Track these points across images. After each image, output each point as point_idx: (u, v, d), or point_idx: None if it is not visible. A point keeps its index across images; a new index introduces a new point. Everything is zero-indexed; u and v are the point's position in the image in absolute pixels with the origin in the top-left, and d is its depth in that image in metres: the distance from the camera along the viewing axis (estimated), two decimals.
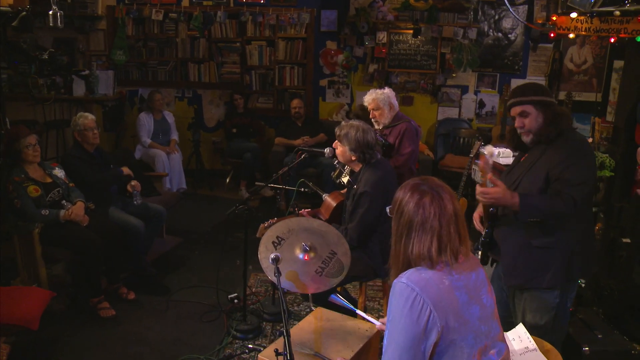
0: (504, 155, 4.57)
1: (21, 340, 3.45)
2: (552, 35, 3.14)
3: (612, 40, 2.82)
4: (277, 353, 1.88)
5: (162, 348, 3.62)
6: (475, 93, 7.04)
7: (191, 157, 6.88)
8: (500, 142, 6.71)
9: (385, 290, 3.69)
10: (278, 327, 3.89)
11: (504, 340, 1.87)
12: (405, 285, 1.70)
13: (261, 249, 2.54)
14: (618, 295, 3.46)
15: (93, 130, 4.37)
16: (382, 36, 6.82)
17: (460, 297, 1.72)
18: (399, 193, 1.82)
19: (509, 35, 6.77)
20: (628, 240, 3.35)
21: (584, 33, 2.81)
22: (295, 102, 6.68)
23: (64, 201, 4.02)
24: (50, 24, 3.20)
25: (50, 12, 3.23)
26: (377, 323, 2.32)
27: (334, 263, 2.52)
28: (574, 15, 2.85)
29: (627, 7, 2.76)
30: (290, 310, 4.12)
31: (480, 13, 6.72)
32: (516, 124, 2.62)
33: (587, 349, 2.98)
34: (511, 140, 2.74)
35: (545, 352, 2.46)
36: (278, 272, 2.20)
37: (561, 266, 2.59)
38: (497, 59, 6.86)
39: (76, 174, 4.23)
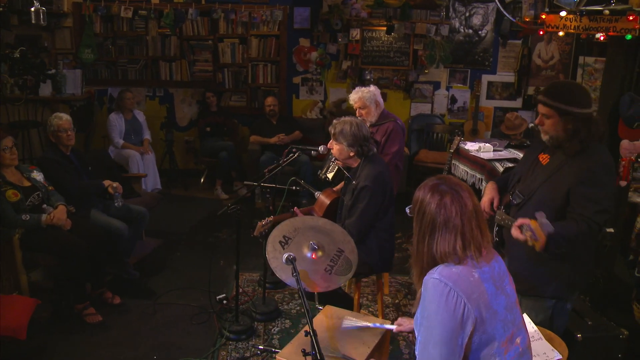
0: (484, 150, 4.67)
1: (8, 350, 3.32)
2: (541, 33, 3.23)
3: (602, 38, 2.92)
4: (304, 353, 1.87)
5: (154, 353, 3.55)
6: (447, 89, 7.16)
7: (164, 157, 6.76)
8: (472, 137, 6.86)
9: (379, 286, 3.72)
10: (270, 327, 3.88)
11: (525, 328, 1.92)
12: (438, 280, 1.74)
13: (269, 248, 2.52)
14: (603, 284, 3.59)
15: (67, 132, 4.24)
16: (355, 33, 6.84)
17: (489, 288, 1.77)
18: (419, 194, 1.85)
19: (479, 32, 6.90)
20: (612, 230, 3.48)
21: (572, 31, 2.89)
22: (270, 100, 6.64)
23: (44, 205, 3.89)
24: (33, 21, 3.08)
25: (33, 9, 3.12)
26: (393, 327, 2.35)
27: (342, 261, 2.52)
28: (563, 13, 2.94)
29: (613, 6, 2.87)
30: (280, 309, 4.10)
31: (451, 10, 6.83)
32: (537, 121, 2.60)
33: (579, 335, 3.07)
34: (539, 133, 2.68)
35: (549, 339, 2.53)
36: (296, 272, 2.18)
37: (567, 277, 2.60)
38: (468, 55, 6.99)
39: (54, 178, 4.10)
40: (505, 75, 7.05)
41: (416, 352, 1.84)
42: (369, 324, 2.40)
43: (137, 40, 6.83)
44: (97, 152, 5.22)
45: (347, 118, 3.37)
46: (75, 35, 6.68)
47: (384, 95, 7.02)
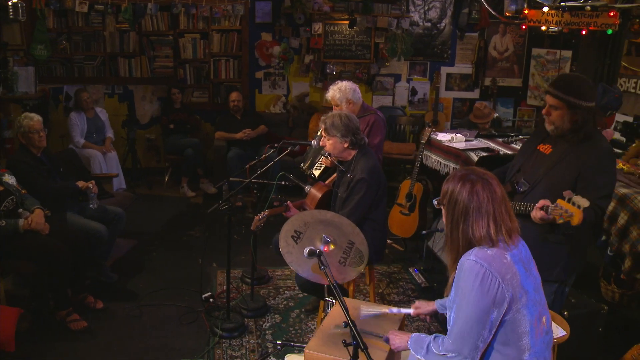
0: (457, 140, 4.82)
1: None
2: (523, 27, 3.37)
3: (583, 32, 3.08)
4: (345, 344, 1.91)
5: (148, 356, 3.48)
6: (408, 81, 7.31)
7: (127, 156, 6.57)
8: (433, 127, 7.04)
9: (371, 276, 3.79)
10: (261, 322, 3.88)
11: (547, 308, 2.04)
12: (475, 262, 1.84)
13: (282, 244, 2.54)
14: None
15: (39, 133, 4.10)
16: (318, 27, 6.87)
17: (520, 270, 1.89)
18: (449, 185, 1.94)
19: (438, 25, 7.09)
20: None
21: (554, 26, 3.05)
22: (234, 95, 6.57)
23: (20, 209, 3.72)
24: (11, 16, 2.93)
25: (10, 3, 2.97)
26: (410, 311, 2.44)
27: (354, 252, 2.57)
28: (545, 9, 3.09)
29: (591, 2, 3.04)
30: (268, 305, 4.10)
31: (410, 3, 6.98)
32: (544, 111, 2.69)
33: (566, 313, 3.25)
34: (539, 123, 2.83)
35: (551, 317, 2.67)
36: (324, 265, 2.21)
37: (570, 261, 2.75)
38: (427, 48, 7.17)
39: (27, 181, 3.93)
40: (463, 67, 7.28)
41: (448, 328, 1.95)
42: (387, 311, 2.47)
43: (93, 36, 6.59)
44: (65, 152, 5.01)
45: (335, 112, 3.42)
46: (26, 30, 6.36)
47: None
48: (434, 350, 1.96)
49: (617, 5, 2.92)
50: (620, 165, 4.26)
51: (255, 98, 7.17)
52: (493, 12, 4.20)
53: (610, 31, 2.95)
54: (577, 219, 2.32)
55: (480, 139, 4.94)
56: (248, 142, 6.42)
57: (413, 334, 2.12)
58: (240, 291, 4.28)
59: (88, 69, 6.67)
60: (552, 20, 3.06)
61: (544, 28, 3.14)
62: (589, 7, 2.89)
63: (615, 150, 4.92)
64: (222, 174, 6.38)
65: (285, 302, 4.20)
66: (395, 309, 2.47)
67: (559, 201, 2.37)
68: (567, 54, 6.79)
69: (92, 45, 6.61)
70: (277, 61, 6.98)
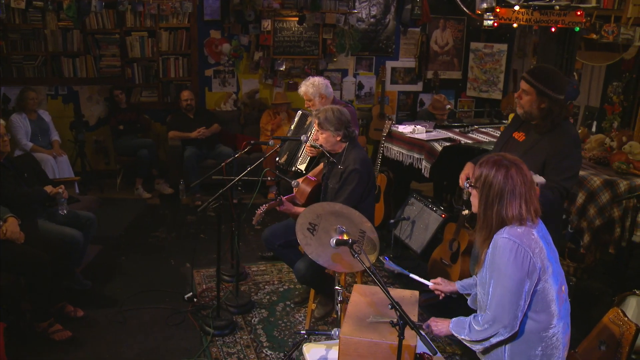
0: (418, 132, 5.06)
1: None
2: (495, 24, 3.61)
3: (553, 29, 3.35)
4: (393, 324, 2.03)
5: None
6: (355, 76, 7.50)
7: (76, 160, 6.31)
8: (380, 121, 7.29)
9: None
10: (249, 318, 3.93)
11: (565, 279, 2.27)
12: (508, 239, 2.04)
13: (299, 236, 2.62)
14: None
15: (2, 137, 3.91)
16: (267, 24, 6.90)
17: (545, 244, 2.10)
18: (482, 170, 2.11)
19: (382, 21, 7.32)
20: None
21: (524, 23, 3.30)
22: (186, 94, 6.48)
23: None
24: None
25: None
26: (430, 283, 2.61)
27: (366, 241, 2.69)
28: (516, 7, 3.33)
29: (555, 1, 3.32)
30: (252, 301, 4.15)
31: (356, 0, 7.16)
32: (516, 94, 2.97)
33: None
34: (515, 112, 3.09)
35: None
36: (356, 253, 2.31)
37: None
38: (372, 43, 7.39)
39: None
40: (406, 61, 7.56)
41: (481, 302, 2.17)
42: (409, 274, 2.66)
43: (33, 34, 6.25)
44: (25, 157, 4.75)
45: (327, 106, 3.52)
46: None
47: (296, 85, 7.20)
48: (476, 327, 2.14)
49: (580, 5, 3.21)
50: None
51: (205, 96, 7.10)
52: (466, 10, 4.44)
53: (577, 28, 3.25)
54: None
55: (439, 130, 5.20)
56: (203, 140, 6.37)
57: (453, 319, 2.28)
58: (221, 289, 4.29)
59: (28, 69, 6.33)
60: (522, 18, 3.32)
61: (515, 25, 3.39)
62: (557, 7, 3.17)
63: None
64: (178, 174, 6.30)
65: (268, 297, 4.26)
66: (416, 277, 2.65)
67: None
68: (503, 47, 7.25)
69: (31, 44, 6.26)
70: (228, 58, 6.95)
